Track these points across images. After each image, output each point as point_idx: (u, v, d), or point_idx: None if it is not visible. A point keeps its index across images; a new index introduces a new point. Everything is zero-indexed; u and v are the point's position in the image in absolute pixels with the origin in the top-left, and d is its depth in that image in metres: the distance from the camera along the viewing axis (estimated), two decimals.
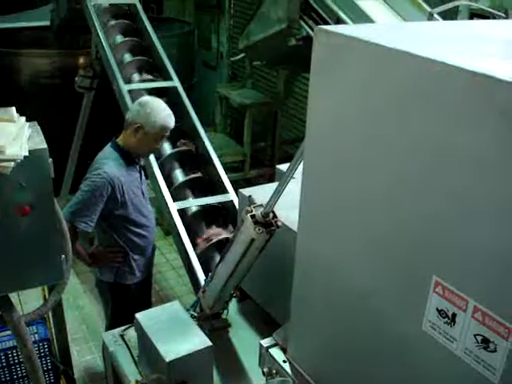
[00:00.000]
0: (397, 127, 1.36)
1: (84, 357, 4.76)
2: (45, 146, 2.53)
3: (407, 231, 1.39)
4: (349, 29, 1.50)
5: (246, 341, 2.78)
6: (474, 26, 1.80)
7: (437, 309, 1.33)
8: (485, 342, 1.24)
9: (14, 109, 2.71)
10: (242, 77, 8.08)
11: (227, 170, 3.91)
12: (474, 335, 1.25)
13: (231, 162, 6.95)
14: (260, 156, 7.53)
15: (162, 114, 3.47)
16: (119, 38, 4.86)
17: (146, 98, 3.61)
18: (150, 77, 4.55)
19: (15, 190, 2.50)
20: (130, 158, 3.55)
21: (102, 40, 4.54)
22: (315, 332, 1.91)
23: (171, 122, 3.50)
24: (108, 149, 3.52)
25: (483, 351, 1.25)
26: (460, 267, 1.27)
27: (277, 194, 2.13)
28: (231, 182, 3.78)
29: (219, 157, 3.96)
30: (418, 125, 1.29)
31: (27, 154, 2.41)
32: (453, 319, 1.29)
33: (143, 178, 3.70)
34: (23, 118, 2.70)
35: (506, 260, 1.17)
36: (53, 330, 3.44)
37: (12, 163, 2.37)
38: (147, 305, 3.91)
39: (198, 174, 3.88)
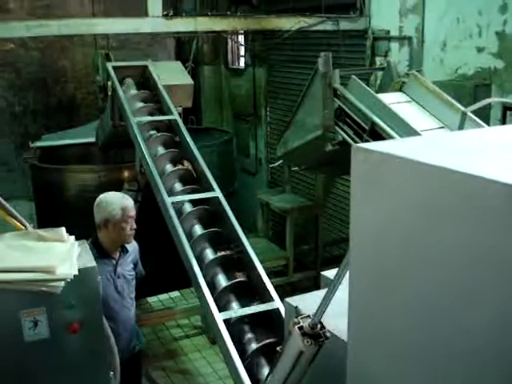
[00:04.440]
0: (434, 239, 1.37)
1: None
2: (94, 264, 2.60)
3: (457, 348, 1.37)
4: (385, 145, 1.55)
5: None
6: (510, 132, 1.83)
7: None
8: None
9: (63, 229, 2.81)
10: (281, 182, 8.21)
11: (271, 274, 3.91)
12: None
13: (275, 267, 6.95)
14: (303, 259, 7.52)
15: (116, 199, 3.97)
16: (161, 150, 5.02)
17: (99, 198, 4.07)
18: (192, 187, 4.66)
19: (65, 308, 2.56)
20: (103, 253, 3.97)
21: (146, 154, 4.70)
22: None
23: (127, 201, 4.00)
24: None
25: None
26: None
27: (324, 304, 2.12)
28: (275, 286, 3.77)
29: (262, 262, 3.97)
30: (458, 237, 1.31)
31: (77, 273, 2.48)
32: None
33: (119, 272, 4.08)
34: (72, 237, 2.79)
35: None
36: None
37: (62, 283, 2.43)
38: None
39: (242, 278, 3.88)
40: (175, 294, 7.47)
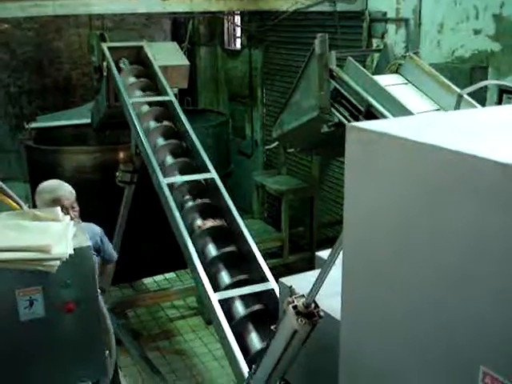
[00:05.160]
0: (428, 217, 1.38)
1: None
2: (89, 243, 2.60)
3: (451, 326, 1.38)
4: (379, 124, 1.55)
5: None
6: (503, 113, 1.83)
7: None
8: None
9: (59, 209, 2.81)
10: (276, 163, 8.20)
11: (266, 255, 3.92)
12: None
13: (270, 248, 6.97)
14: (298, 241, 7.54)
15: (50, 189, 3.85)
16: (157, 130, 5.02)
17: (38, 186, 3.93)
18: (187, 163, 4.67)
19: (61, 287, 2.56)
20: None
21: (141, 135, 4.70)
22: None
23: (61, 192, 3.85)
24: None
25: None
26: (506, 355, 1.25)
27: (318, 283, 2.14)
28: (270, 268, 3.79)
29: (257, 243, 3.99)
30: (451, 215, 1.31)
31: (72, 252, 2.48)
32: None
33: None
34: (68, 217, 2.79)
35: None
36: None
37: (58, 262, 2.44)
38: None
39: (234, 251, 3.91)
40: (171, 275, 7.49)
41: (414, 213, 1.42)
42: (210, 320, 5.97)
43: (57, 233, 2.55)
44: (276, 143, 6.49)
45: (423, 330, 1.48)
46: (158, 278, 7.44)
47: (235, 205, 4.20)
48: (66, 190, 3.92)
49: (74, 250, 2.50)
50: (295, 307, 2.21)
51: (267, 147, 8.13)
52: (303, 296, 2.24)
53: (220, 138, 8.10)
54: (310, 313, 2.20)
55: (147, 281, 7.39)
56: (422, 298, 1.47)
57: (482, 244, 1.26)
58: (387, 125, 1.53)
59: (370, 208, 1.58)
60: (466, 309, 1.34)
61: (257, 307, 3.54)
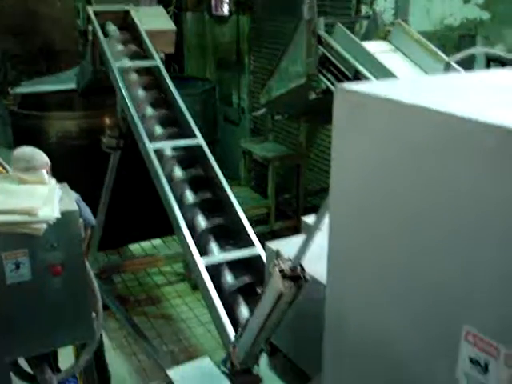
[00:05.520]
0: (416, 179, 1.39)
1: None
2: (75, 207, 2.60)
3: (435, 286, 1.41)
4: (367, 86, 1.55)
5: None
6: (490, 76, 1.84)
7: (469, 358, 1.33)
8: None
9: (44, 172, 2.80)
10: (263, 131, 8.19)
11: (253, 222, 3.94)
12: (508, 381, 1.25)
13: (256, 215, 6.99)
14: (285, 208, 7.57)
15: (25, 156, 3.61)
16: (143, 96, 4.98)
17: (13, 152, 3.76)
18: (173, 129, 4.65)
19: (47, 250, 2.57)
20: None
21: (127, 100, 4.66)
22: None
23: (35, 162, 3.57)
24: None
25: None
26: (488, 316, 1.28)
27: (304, 247, 2.16)
28: (257, 234, 3.81)
29: (244, 210, 4.00)
30: (437, 174, 1.33)
31: (59, 215, 2.48)
32: (486, 367, 1.29)
33: None
34: (53, 180, 2.78)
35: None
36: None
37: (44, 225, 2.44)
38: None
39: (223, 222, 3.91)
40: (157, 241, 7.50)
41: (402, 174, 1.43)
42: (197, 286, 6.04)
43: (43, 196, 2.54)
44: (263, 110, 6.46)
45: (409, 291, 1.50)
46: (145, 244, 7.45)
47: (222, 172, 4.21)
48: (41, 160, 3.83)
49: (61, 213, 2.50)
50: (281, 270, 2.23)
51: (254, 114, 8.09)
52: (289, 259, 2.26)
53: (207, 105, 8.05)
54: (295, 276, 2.22)
55: (134, 247, 7.39)
56: (408, 259, 1.49)
57: (469, 205, 1.27)
58: (376, 87, 1.53)
59: (358, 170, 1.59)
60: (451, 270, 1.36)
61: (244, 275, 3.56)
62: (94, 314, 2.89)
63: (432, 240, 1.40)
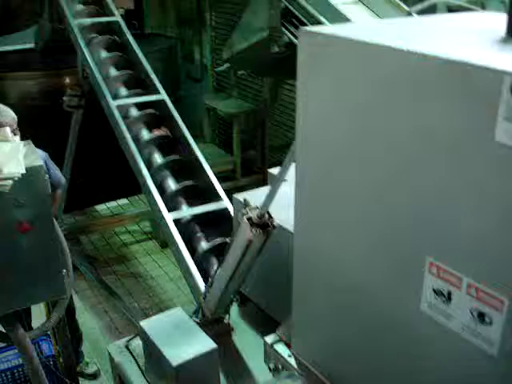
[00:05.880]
0: (382, 118, 1.42)
1: None
2: (41, 163, 2.58)
3: (398, 217, 1.46)
4: (331, 28, 1.57)
5: (249, 343, 2.82)
6: (450, 19, 1.86)
7: (433, 289, 1.39)
8: (480, 316, 1.30)
9: (7, 128, 2.76)
10: (226, 88, 8.14)
11: (218, 179, 3.94)
12: (470, 310, 1.32)
13: (222, 172, 7.00)
14: (250, 164, 7.59)
15: None
16: (104, 54, 4.91)
17: None
18: (137, 91, 4.60)
19: (14, 207, 2.54)
20: None
21: (88, 58, 4.59)
22: (317, 325, 1.96)
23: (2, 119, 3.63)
24: None
25: (479, 325, 1.31)
26: (451, 247, 1.33)
27: (271, 194, 2.19)
28: (224, 190, 3.82)
29: (210, 167, 4.00)
30: (401, 114, 1.36)
31: (24, 171, 2.45)
32: (449, 297, 1.35)
33: None
34: (17, 137, 2.75)
35: (492, 237, 1.24)
36: (57, 347, 3.48)
37: (10, 181, 2.41)
38: None
39: (191, 182, 3.91)
40: (123, 201, 7.48)
41: (367, 114, 1.46)
42: (165, 243, 6.05)
43: (7, 152, 2.51)
44: (226, 65, 6.42)
45: (375, 225, 1.55)
46: (111, 204, 7.42)
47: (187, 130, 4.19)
48: (8, 116, 3.76)
49: (26, 169, 2.47)
50: (249, 218, 2.26)
51: (217, 70, 8.03)
52: (257, 208, 2.29)
53: (169, 62, 7.95)
54: (263, 223, 2.26)
55: (100, 207, 7.37)
56: (373, 194, 1.53)
57: (430, 139, 1.31)
58: (339, 29, 1.55)
59: (323, 112, 1.61)
60: (414, 203, 1.41)
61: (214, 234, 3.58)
62: (64, 271, 2.89)
63: (398, 175, 1.44)
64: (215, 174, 3.98)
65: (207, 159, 4.07)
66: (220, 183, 3.91)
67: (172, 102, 4.48)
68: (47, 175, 2.57)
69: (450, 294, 1.35)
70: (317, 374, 1.96)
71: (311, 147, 1.73)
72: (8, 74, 6.95)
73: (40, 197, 2.57)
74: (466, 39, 1.32)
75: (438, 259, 1.36)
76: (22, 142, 2.68)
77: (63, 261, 2.89)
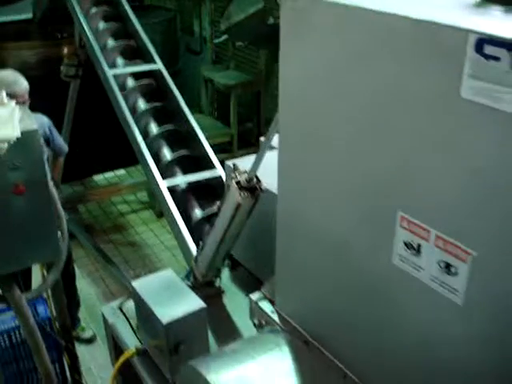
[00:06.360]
0: (357, 78, 1.49)
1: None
2: (36, 127, 2.62)
3: (372, 173, 1.53)
4: None
5: (238, 305, 2.90)
6: None
7: (404, 242, 1.46)
8: (447, 267, 1.37)
9: (3, 92, 2.80)
10: (225, 60, 8.14)
11: (215, 151, 3.97)
12: (438, 262, 1.39)
13: (219, 144, 7.03)
14: (247, 136, 7.62)
15: (4, 82, 3.65)
16: (102, 25, 4.92)
17: None
18: (134, 61, 4.62)
19: (9, 170, 2.59)
20: None
21: (85, 27, 4.61)
22: (298, 283, 2.04)
23: (16, 87, 3.74)
24: None
25: (447, 276, 1.38)
26: (421, 201, 1.40)
27: (258, 159, 2.25)
28: (220, 162, 3.85)
29: (207, 138, 4.04)
30: (375, 73, 1.43)
31: (19, 135, 2.50)
32: (418, 250, 1.43)
33: None
34: (13, 102, 2.79)
35: (459, 190, 1.31)
36: (53, 309, 3.55)
37: (5, 144, 2.46)
38: None
39: (186, 152, 3.95)
40: (121, 171, 7.52)
41: (344, 75, 1.53)
42: (161, 213, 6.11)
43: (2, 116, 2.55)
44: (224, 37, 6.43)
45: (350, 181, 1.62)
46: (109, 174, 7.48)
47: (184, 101, 4.21)
48: (22, 87, 3.79)
49: (22, 132, 2.51)
50: (238, 182, 2.32)
51: (215, 41, 8.03)
52: (246, 172, 2.35)
53: (168, 35, 7.95)
54: (252, 187, 2.32)
55: (98, 178, 7.42)
56: (349, 151, 1.60)
57: (402, 97, 1.38)
58: None
59: (304, 75, 1.67)
60: (386, 159, 1.47)
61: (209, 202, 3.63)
62: (59, 234, 2.94)
63: (372, 132, 1.50)
64: (212, 146, 4.02)
65: (204, 131, 4.11)
66: (216, 155, 3.95)
67: (170, 74, 4.51)
68: (46, 148, 2.61)
69: (419, 246, 1.42)
70: (298, 328, 2.04)
71: (292, 110, 1.79)
72: (6, 44, 6.96)
73: (35, 160, 2.62)
74: (441, 2, 1.37)
75: (408, 213, 1.43)
76: (18, 106, 2.72)
77: (58, 223, 2.94)
